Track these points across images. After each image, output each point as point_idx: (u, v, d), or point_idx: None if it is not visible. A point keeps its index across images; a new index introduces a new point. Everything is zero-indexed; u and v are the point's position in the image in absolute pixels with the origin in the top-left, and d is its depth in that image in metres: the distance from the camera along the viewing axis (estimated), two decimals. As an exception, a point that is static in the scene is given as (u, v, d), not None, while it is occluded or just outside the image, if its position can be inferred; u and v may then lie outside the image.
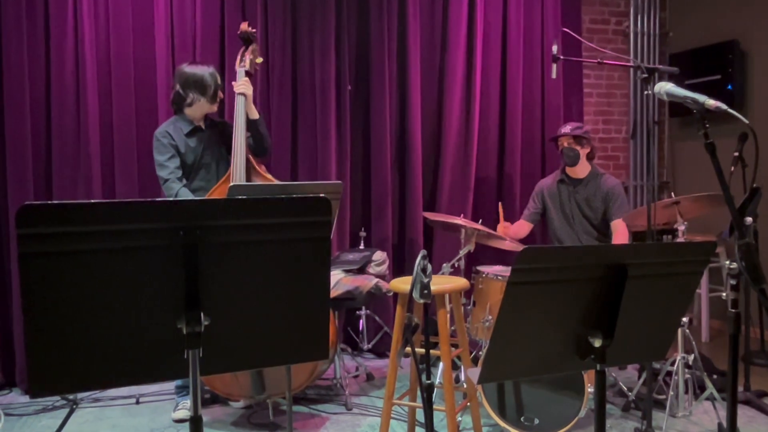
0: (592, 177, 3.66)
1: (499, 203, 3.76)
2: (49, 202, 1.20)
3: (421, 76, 4.30)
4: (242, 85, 3.20)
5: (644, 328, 1.56)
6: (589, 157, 3.68)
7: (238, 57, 3.27)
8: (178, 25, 3.89)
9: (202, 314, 1.30)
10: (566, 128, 3.66)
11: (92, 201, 1.23)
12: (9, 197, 3.64)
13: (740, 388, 3.38)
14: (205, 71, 3.21)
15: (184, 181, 3.15)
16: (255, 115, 3.26)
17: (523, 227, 3.87)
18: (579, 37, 3.83)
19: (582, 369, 2.38)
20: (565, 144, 3.62)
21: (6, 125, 3.63)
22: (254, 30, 3.32)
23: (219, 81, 3.25)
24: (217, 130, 3.31)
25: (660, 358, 1.68)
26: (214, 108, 3.28)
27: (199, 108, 3.21)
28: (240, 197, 1.36)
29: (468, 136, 4.37)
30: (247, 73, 3.25)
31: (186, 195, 3.11)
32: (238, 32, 3.31)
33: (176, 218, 1.28)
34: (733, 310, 1.64)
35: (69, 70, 3.70)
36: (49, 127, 3.73)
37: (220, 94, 3.28)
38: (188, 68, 3.21)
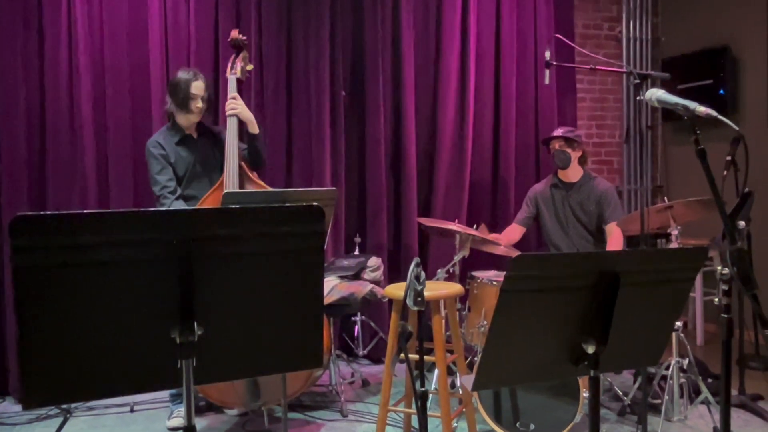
0: (585, 181, 3.67)
1: (482, 225, 3.77)
2: (42, 212, 1.20)
3: (415, 82, 4.32)
4: (232, 106, 3.13)
5: (638, 334, 1.57)
6: (581, 161, 3.69)
7: (229, 64, 3.26)
8: (172, 31, 3.89)
9: (195, 324, 1.30)
10: (558, 131, 3.69)
11: (85, 212, 1.23)
12: (3, 206, 3.63)
13: (735, 392, 3.39)
14: (181, 77, 3.12)
15: (178, 192, 3.14)
16: (255, 130, 3.21)
17: (515, 231, 3.88)
18: (571, 43, 3.85)
19: (576, 375, 2.39)
20: (557, 146, 3.64)
21: (0, 136, 3.62)
22: (245, 37, 3.31)
23: (193, 90, 3.10)
24: (211, 138, 3.29)
25: (654, 363, 1.69)
26: (192, 118, 3.17)
27: (180, 116, 3.18)
28: (233, 206, 1.36)
29: (462, 142, 4.38)
30: (238, 81, 3.24)
31: (179, 207, 3.09)
32: (229, 39, 3.30)
33: (170, 228, 1.28)
34: (726, 316, 1.65)
35: (63, 77, 3.70)
36: (43, 134, 3.72)
37: (197, 104, 3.13)
38: (178, 72, 3.21)
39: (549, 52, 3.48)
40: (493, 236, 3.67)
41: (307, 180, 4.13)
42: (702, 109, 1.64)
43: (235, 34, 3.29)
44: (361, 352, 4.21)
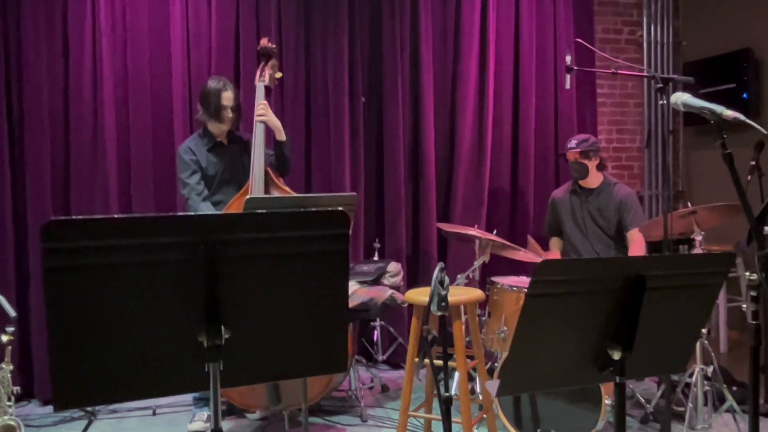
0: (605, 187, 3.64)
1: (530, 239, 3.76)
2: (74, 217, 1.22)
3: (434, 87, 4.32)
4: (261, 112, 3.17)
5: (664, 340, 1.55)
6: (600, 168, 3.65)
7: (258, 72, 3.30)
8: (193, 39, 3.95)
9: (222, 327, 1.32)
10: (572, 143, 3.63)
11: (115, 216, 1.25)
12: (28, 210, 3.69)
13: (761, 400, 3.34)
14: (212, 88, 3.18)
15: (206, 194, 3.18)
16: (282, 137, 3.26)
17: (555, 246, 3.86)
18: (592, 48, 3.83)
19: (601, 381, 2.37)
20: (572, 158, 3.61)
21: (25, 139, 3.70)
22: (274, 46, 3.35)
23: (224, 101, 3.15)
24: (241, 145, 3.34)
25: (680, 370, 1.67)
26: (223, 126, 3.23)
27: (211, 124, 3.23)
28: (259, 211, 1.37)
29: (481, 147, 4.37)
30: (267, 88, 3.27)
31: (206, 209, 3.14)
32: (258, 47, 3.34)
33: (196, 232, 1.30)
34: (754, 322, 1.62)
35: (87, 85, 3.77)
36: (67, 140, 3.79)
37: (228, 114, 3.19)
38: (207, 82, 3.27)
39: (570, 56, 3.46)
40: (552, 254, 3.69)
41: (326, 185, 4.15)
42: (729, 113, 1.62)
43: (264, 42, 3.32)
44: (380, 358, 4.21)
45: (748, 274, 1.59)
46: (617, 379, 1.48)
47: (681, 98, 1.75)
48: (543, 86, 4.51)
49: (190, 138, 3.32)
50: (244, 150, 3.31)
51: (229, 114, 3.21)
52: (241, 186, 3.23)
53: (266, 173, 3.15)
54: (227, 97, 3.19)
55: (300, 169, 4.14)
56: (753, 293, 1.62)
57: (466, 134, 4.34)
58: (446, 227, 3.65)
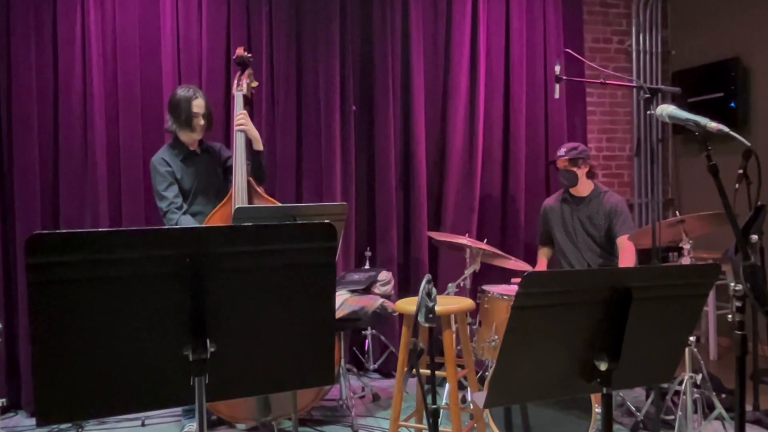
0: (595, 195, 3.66)
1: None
2: (58, 231, 1.21)
3: (425, 96, 4.33)
4: (241, 121, 3.17)
5: (650, 350, 1.56)
6: (590, 176, 3.67)
7: (235, 82, 3.31)
8: (184, 49, 3.94)
9: (208, 341, 1.31)
10: (561, 151, 3.66)
11: (99, 230, 1.25)
12: (17, 222, 3.66)
13: (749, 408, 3.35)
14: (182, 95, 3.14)
15: (185, 208, 3.16)
16: (260, 146, 3.27)
17: (543, 255, 3.87)
18: (581, 58, 3.86)
19: (588, 392, 2.37)
20: (561, 166, 3.64)
21: (14, 150, 3.67)
22: (250, 55, 3.36)
23: (194, 109, 3.13)
24: (213, 155, 3.33)
25: (666, 380, 1.67)
26: (195, 135, 3.21)
27: (183, 133, 3.21)
28: (246, 224, 1.37)
29: (472, 156, 4.39)
30: (245, 98, 3.28)
31: (187, 223, 3.12)
32: (234, 57, 3.36)
33: (183, 245, 1.29)
34: (739, 333, 1.63)
35: (77, 95, 3.75)
36: (56, 152, 3.77)
37: (199, 122, 3.16)
38: (176, 91, 3.25)
39: (559, 66, 3.48)
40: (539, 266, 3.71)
41: (317, 194, 4.15)
42: (713, 125, 1.64)
43: (240, 51, 3.33)
44: (371, 367, 4.20)
45: (733, 284, 1.60)
46: (604, 390, 1.48)
47: (666, 110, 1.77)
48: (533, 95, 4.53)
49: (162, 149, 3.27)
50: (217, 159, 3.31)
51: (201, 122, 3.18)
52: (217, 195, 3.22)
53: (248, 183, 3.15)
54: (198, 105, 3.16)
55: (291, 178, 4.14)
56: (738, 303, 1.63)
57: (457, 143, 4.36)
58: (437, 236, 3.65)
